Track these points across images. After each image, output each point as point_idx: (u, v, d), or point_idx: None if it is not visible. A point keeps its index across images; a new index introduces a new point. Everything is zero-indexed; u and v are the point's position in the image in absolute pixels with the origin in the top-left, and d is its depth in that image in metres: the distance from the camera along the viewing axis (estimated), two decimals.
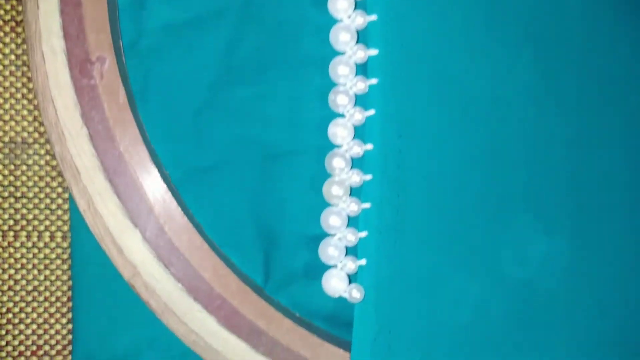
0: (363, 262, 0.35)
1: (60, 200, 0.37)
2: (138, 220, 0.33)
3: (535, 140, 0.37)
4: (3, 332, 0.37)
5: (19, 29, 0.36)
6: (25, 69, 0.36)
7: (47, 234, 0.37)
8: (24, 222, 0.36)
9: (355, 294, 0.35)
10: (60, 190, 0.37)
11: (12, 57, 0.36)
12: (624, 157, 0.37)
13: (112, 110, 0.33)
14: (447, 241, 0.36)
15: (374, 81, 0.35)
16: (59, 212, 0.37)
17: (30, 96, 0.36)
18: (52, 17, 0.33)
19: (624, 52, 0.38)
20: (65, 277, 0.37)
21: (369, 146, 0.35)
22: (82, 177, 0.33)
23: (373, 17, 0.35)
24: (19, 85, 0.36)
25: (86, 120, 0.33)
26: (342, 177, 0.35)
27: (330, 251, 0.35)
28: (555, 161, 0.37)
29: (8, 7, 0.36)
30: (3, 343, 0.37)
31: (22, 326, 0.37)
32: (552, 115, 0.37)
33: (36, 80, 0.33)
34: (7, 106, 0.36)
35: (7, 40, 0.36)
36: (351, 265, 0.35)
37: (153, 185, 0.34)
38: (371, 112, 0.35)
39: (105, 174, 0.33)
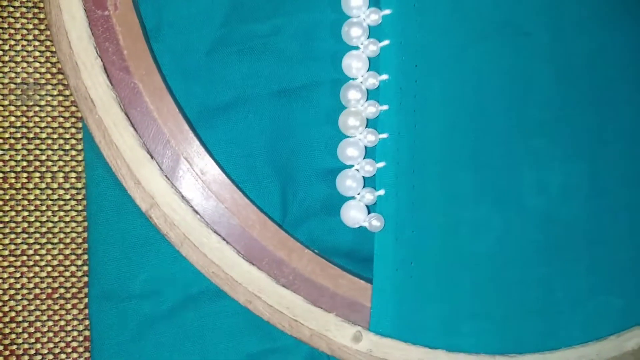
0: (382, 192, 0.35)
1: (73, 141, 0.36)
2: (155, 151, 0.33)
3: (552, 66, 0.36)
4: (18, 274, 0.36)
5: None
6: (36, 10, 0.36)
7: (61, 174, 0.36)
8: (37, 163, 0.36)
9: (375, 222, 0.34)
10: (73, 130, 0.36)
11: None
12: None
13: (127, 41, 0.33)
14: (467, 170, 0.36)
15: (387, 12, 0.35)
16: (73, 152, 0.36)
17: (42, 37, 0.36)
18: None
19: None
20: (80, 218, 0.37)
21: (385, 76, 0.35)
22: (97, 108, 0.33)
23: None
24: (30, 26, 0.36)
25: (100, 51, 0.33)
26: (358, 108, 0.35)
27: (348, 182, 0.35)
28: (573, 88, 0.37)
29: None
30: (18, 286, 0.36)
31: (36, 269, 0.36)
32: (569, 41, 0.37)
33: (49, 13, 0.33)
34: (18, 47, 0.36)
35: None
36: (369, 196, 0.35)
37: (169, 116, 0.33)
38: (386, 42, 0.35)
39: (120, 105, 0.33)
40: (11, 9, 0.36)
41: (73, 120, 0.36)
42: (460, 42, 0.36)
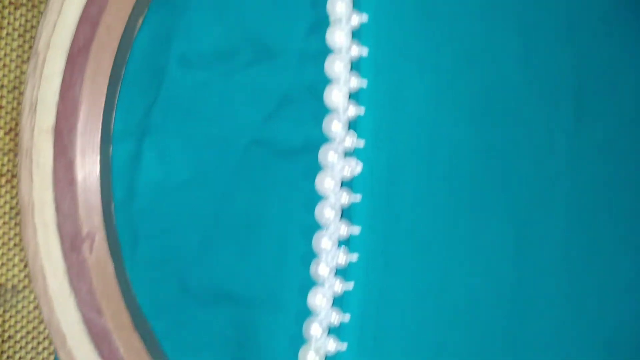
0: None
1: (46, 342, 0.38)
2: None
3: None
4: None
5: (15, 182, 0.37)
6: (19, 219, 0.38)
7: None
8: None
9: None
10: (47, 333, 0.38)
11: (7, 207, 0.37)
12: None
13: (99, 283, 0.35)
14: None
15: (354, 258, 0.37)
16: (45, 353, 0.38)
17: (22, 245, 0.38)
18: (46, 192, 0.34)
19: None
20: None
21: (347, 318, 0.37)
22: (68, 341, 0.35)
23: (357, 198, 0.37)
24: (12, 234, 0.38)
25: (74, 289, 0.34)
26: (317, 344, 0.37)
27: None
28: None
29: (5, 160, 0.37)
30: None
31: None
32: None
33: (27, 250, 0.34)
34: None
35: (3, 192, 0.37)
36: None
37: (133, 351, 0.35)
38: (350, 285, 0.37)
39: (90, 340, 0.35)
40: None
41: (45, 323, 0.38)
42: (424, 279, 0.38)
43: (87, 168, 0.34)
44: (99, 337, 0.35)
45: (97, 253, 0.34)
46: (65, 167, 0.34)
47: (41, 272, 0.34)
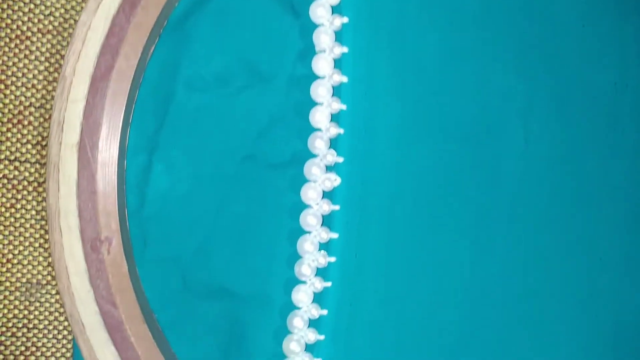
0: None
1: (65, 332, 0.43)
2: None
3: None
4: None
5: (40, 189, 0.43)
6: (43, 222, 0.43)
7: (53, 358, 0.43)
8: (33, 349, 0.43)
9: None
10: (66, 323, 0.43)
11: (33, 212, 0.43)
12: None
13: (115, 280, 0.40)
14: None
15: (333, 260, 0.42)
16: (64, 341, 0.43)
17: (46, 245, 0.43)
18: (70, 200, 0.39)
19: None
20: None
21: (325, 312, 0.42)
22: (86, 331, 0.40)
23: (337, 208, 0.42)
24: (37, 235, 0.43)
25: (93, 285, 0.40)
26: (299, 335, 0.42)
27: None
28: None
29: (32, 170, 0.42)
30: None
31: None
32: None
33: (53, 251, 0.39)
34: (26, 252, 0.43)
35: (30, 197, 0.42)
36: None
37: (144, 341, 0.40)
38: (329, 284, 0.42)
39: (105, 330, 0.40)
40: (23, 220, 0.43)
41: (67, 315, 0.43)
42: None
43: (107, 179, 0.39)
44: (113, 327, 0.40)
45: (114, 254, 0.40)
46: (87, 179, 0.39)
47: (65, 270, 0.39)
